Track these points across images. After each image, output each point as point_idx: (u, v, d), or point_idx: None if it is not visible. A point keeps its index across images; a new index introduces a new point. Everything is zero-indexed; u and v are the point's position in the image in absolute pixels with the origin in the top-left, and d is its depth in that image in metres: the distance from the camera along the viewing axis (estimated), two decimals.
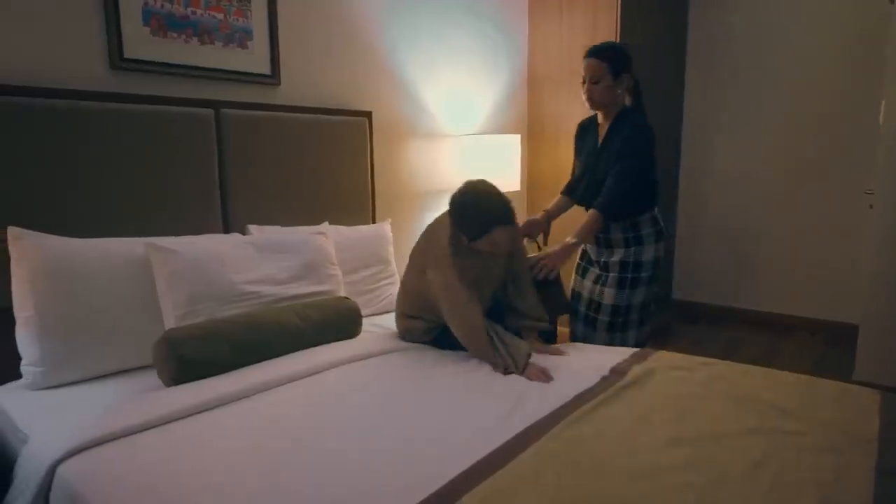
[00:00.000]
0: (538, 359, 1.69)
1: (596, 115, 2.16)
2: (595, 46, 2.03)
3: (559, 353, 1.75)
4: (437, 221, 1.82)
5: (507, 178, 2.91)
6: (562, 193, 2.29)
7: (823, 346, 3.37)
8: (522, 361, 1.59)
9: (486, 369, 1.61)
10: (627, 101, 2.09)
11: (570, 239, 1.99)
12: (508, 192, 3.17)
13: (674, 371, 1.57)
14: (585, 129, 2.21)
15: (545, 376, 1.55)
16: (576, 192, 2.22)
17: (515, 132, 3.28)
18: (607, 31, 3.07)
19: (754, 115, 3.71)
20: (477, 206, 1.69)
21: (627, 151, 1.99)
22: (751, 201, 3.79)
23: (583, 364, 1.64)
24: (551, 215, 2.24)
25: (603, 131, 2.10)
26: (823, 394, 1.43)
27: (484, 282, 1.81)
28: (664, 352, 1.74)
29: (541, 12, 3.35)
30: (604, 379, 1.52)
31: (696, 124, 3.93)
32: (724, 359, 1.73)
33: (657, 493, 1.00)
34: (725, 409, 1.33)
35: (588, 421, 1.26)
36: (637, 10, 3.17)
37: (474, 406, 1.36)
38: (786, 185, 3.66)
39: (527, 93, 3.46)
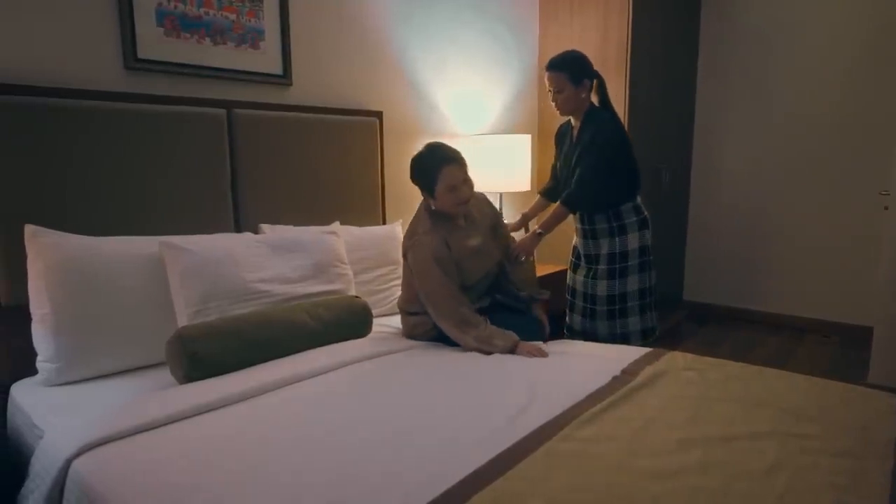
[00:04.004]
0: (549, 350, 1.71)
1: (570, 119, 2.28)
2: (553, 59, 2.15)
3: (541, 353, 1.72)
4: (416, 212, 1.94)
5: (518, 177, 2.90)
6: (539, 194, 2.45)
7: (837, 349, 3.33)
8: (512, 340, 1.72)
9: (496, 369, 1.61)
10: (595, 100, 2.19)
11: (537, 229, 2.15)
12: (518, 193, 3.20)
13: (686, 372, 1.56)
14: (563, 133, 2.35)
15: (541, 352, 1.67)
16: (552, 193, 2.39)
17: (526, 132, 3.28)
18: (618, 30, 3.06)
19: (766, 114, 3.68)
20: (424, 155, 1.86)
21: (590, 149, 2.11)
22: (763, 202, 3.75)
23: (594, 364, 1.63)
24: (528, 217, 2.44)
25: (576, 132, 2.23)
26: (838, 396, 1.41)
27: (478, 259, 1.89)
28: (676, 353, 1.73)
29: (552, 12, 3.34)
30: (615, 379, 1.51)
31: (707, 123, 3.90)
32: (736, 361, 1.72)
33: (669, 496, 0.99)
34: (738, 411, 1.32)
35: (599, 422, 1.26)
36: (648, 9, 3.15)
37: (484, 406, 1.35)
38: (798, 185, 3.62)
39: (537, 93, 3.45)
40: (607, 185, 2.13)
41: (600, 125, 2.11)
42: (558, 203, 2.17)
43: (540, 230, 2.14)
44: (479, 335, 1.74)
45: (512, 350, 1.72)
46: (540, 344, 1.81)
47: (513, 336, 1.75)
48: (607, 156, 2.10)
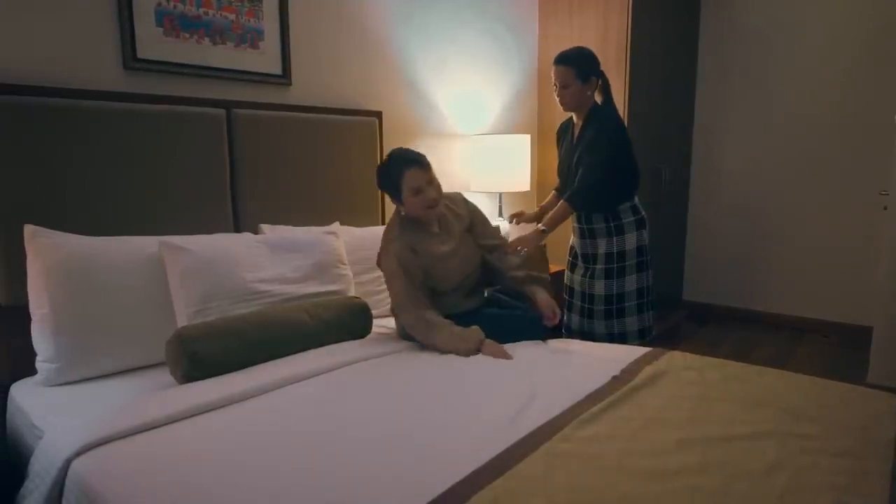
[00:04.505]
0: (544, 353, 1.69)
1: (572, 115, 2.29)
2: (562, 53, 2.15)
3: (504, 355, 1.68)
4: (389, 220, 1.94)
5: (517, 177, 2.90)
6: (554, 190, 2.46)
7: (837, 349, 3.33)
8: (475, 341, 1.69)
9: (495, 369, 1.61)
10: (598, 99, 2.19)
11: (540, 226, 2.16)
12: (518, 192, 3.20)
13: (686, 372, 1.56)
14: (564, 130, 2.36)
15: (504, 354, 1.64)
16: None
17: (525, 132, 3.28)
18: (618, 30, 3.06)
19: (766, 114, 3.68)
20: (386, 162, 1.86)
21: (594, 146, 2.11)
22: (763, 202, 3.75)
23: (593, 364, 1.63)
24: (545, 209, 2.44)
25: (577, 129, 2.23)
26: (838, 396, 1.41)
27: (453, 262, 1.87)
28: (676, 352, 1.73)
29: (551, 13, 3.34)
30: (614, 379, 1.50)
31: (707, 124, 3.90)
32: (736, 361, 1.72)
33: (668, 496, 0.99)
34: (738, 411, 1.32)
35: (599, 421, 1.26)
36: (648, 9, 3.15)
37: (484, 405, 1.35)
38: (798, 185, 3.62)
39: (537, 93, 3.45)
40: (610, 185, 2.13)
41: (603, 124, 2.12)
42: (562, 202, 2.17)
43: (543, 227, 2.15)
44: (442, 338, 1.72)
45: (477, 350, 1.69)
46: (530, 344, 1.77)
47: (475, 337, 1.71)
48: (610, 155, 2.10)
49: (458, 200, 2.02)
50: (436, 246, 1.86)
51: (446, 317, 1.81)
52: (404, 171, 1.79)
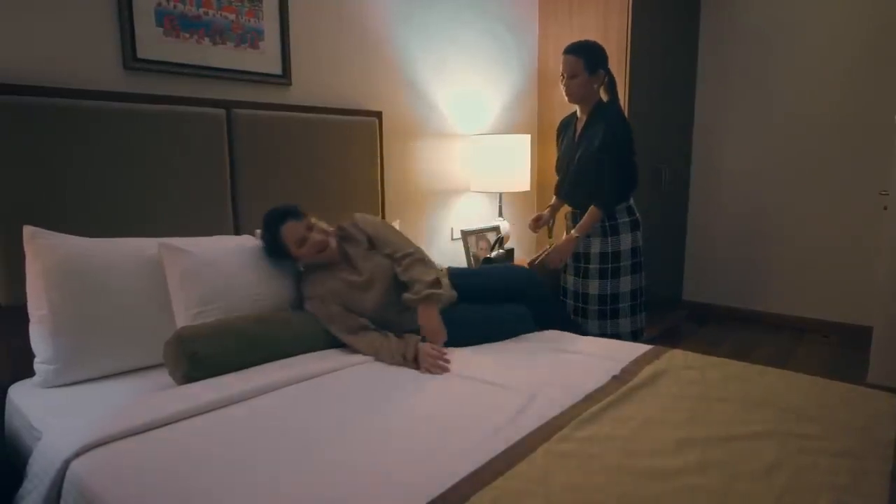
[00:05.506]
0: (543, 353, 1.69)
1: (576, 111, 2.29)
2: (572, 44, 2.16)
3: (440, 368, 1.60)
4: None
5: (517, 177, 2.90)
6: (554, 194, 2.48)
7: (837, 349, 3.33)
8: (398, 355, 1.64)
9: (495, 369, 1.60)
10: (604, 96, 2.19)
11: (573, 233, 2.21)
12: (518, 192, 3.20)
13: (686, 371, 1.56)
14: (566, 126, 2.37)
15: (441, 368, 1.58)
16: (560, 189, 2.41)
17: (525, 132, 3.28)
18: (618, 31, 3.06)
19: (766, 114, 3.67)
20: (263, 227, 1.84)
21: (609, 146, 2.11)
22: (763, 202, 3.75)
23: (593, 363, 1.63)
24: (555, 209, 2.47)
25: (580, 125, 2.23)
26: (838, 396, 1.41)
27: (368, 288, 1.81)
28: (676, 351, 1.73)
29: (551, 13, 3.34)
30: (614, 379, 1.51)
31: (707, 124, 3.89)
32: (736, 361, 1.71)
33: (668, 496, 0.99)
34: (739, 410, 1.32)
35: (599, 421, 1.25)
36: (648, 9, 3.15)
37: (484, 406, 1.35)
38: (798, 185, 3.62)
39: (537, 93, 3.45)
40: (627, 180, 2.16)
41: (610, 122, 2.12)
42: (592, 207, 2.16)
43: (577, 234, 2.19)
44: (380, 356, 1.68)
45: (408, 361, 1.63)
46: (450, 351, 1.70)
47: (399, 350, 1.65)
48: (623, 154, 2.12)
49: (348, 226, 1.94)
50: (345, 279, 1.82)
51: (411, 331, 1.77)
52: (280, 229, 1.78)
